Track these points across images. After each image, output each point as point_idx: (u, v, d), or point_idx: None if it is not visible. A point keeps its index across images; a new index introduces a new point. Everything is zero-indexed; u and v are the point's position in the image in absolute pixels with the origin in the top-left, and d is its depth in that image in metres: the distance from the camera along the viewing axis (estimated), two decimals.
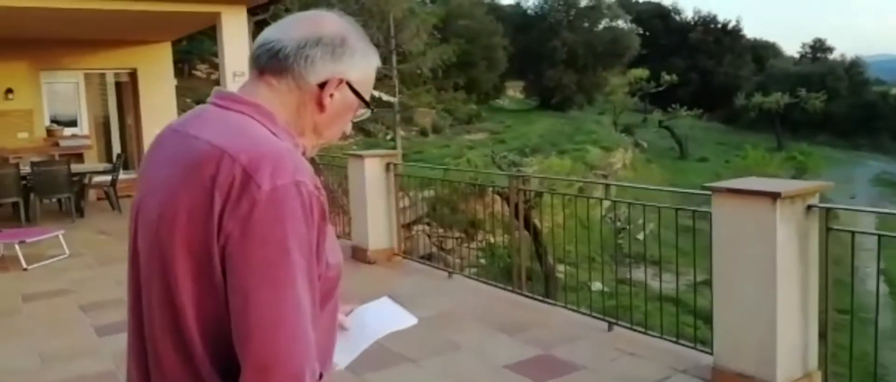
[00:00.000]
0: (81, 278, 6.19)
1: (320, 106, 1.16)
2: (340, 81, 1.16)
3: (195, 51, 21.41)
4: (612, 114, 37.66)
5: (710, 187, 3.57)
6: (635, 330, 4.36)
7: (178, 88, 13.62)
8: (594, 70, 38.16)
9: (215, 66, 18.66)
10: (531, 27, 38.38)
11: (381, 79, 17.26)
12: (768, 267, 3.34)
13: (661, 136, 37.56)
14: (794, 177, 21.85)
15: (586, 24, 38.89)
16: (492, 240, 13.61)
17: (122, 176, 10.21)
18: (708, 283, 3.89)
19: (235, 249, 0.98)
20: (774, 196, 3.28)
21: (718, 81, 46.59)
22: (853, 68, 48.99)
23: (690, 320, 8.07)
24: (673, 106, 35.81)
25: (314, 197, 1.03)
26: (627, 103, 38.29)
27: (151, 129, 10.55)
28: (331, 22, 1.18)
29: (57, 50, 11.33)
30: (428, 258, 13.81)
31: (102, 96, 12.71)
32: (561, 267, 13.90)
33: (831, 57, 54.07)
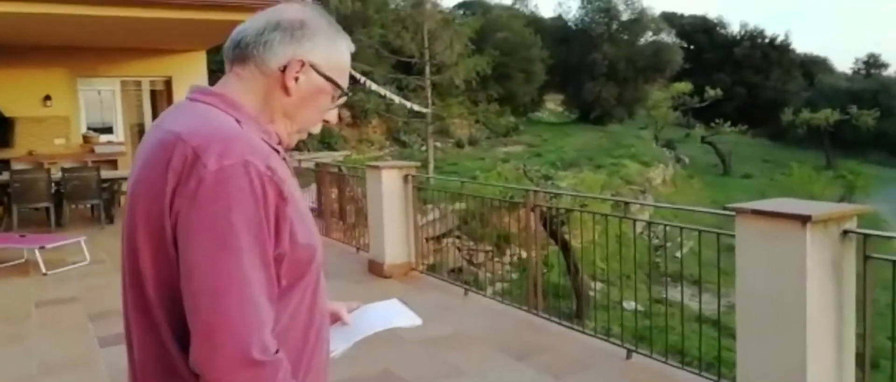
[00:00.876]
0: (97, 285, 6.15)
1: (285, 90, 1.18)
2: (303, 64, 1.18)
3: None
4: (654, 129, 36.89)
5: (734, 208, 3.28)
6: (655, 359, 4.07)
7: None
8: (635, 84, 37.47)
9: None
10: (572, 40, 37.92)
11: (415, 90, 17.18)
12: (797, 298, 3.04)
13: (705, 152, 36.61)
14: (842, 197, 20.99)
15: (627, 37, 38.25)
16: (523, 255, 13.31)
17: None
18: None
19: (183, 224, 1.04)
20: (805, 219, 2.98)
21: (765, 97, 45.29)
22: None
23: (730, 343, 7.67)
24: (716, 121, 34.87)
25: (266, 177, 1.06)
26: (669, 118, 37.44)
27: None
28: (291, 9, 1.21)
29: (94, 58, 11.53)
30: (458, 271, 13.63)
31: (138, 104, 12.91)
32: (595, 285, 13.55)
33: (886, 73, 52.18)
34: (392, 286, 6.06)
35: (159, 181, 1.06)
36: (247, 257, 1.03)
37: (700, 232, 3.93)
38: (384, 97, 16.30)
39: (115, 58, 11.79)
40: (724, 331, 4.69)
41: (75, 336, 4.76)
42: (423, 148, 20.62)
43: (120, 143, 12.14)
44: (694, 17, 53.33)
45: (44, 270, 6.56)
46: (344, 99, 1.28)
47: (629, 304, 10.59)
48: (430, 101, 16.74)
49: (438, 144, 25.21)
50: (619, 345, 4.29)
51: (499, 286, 12.61)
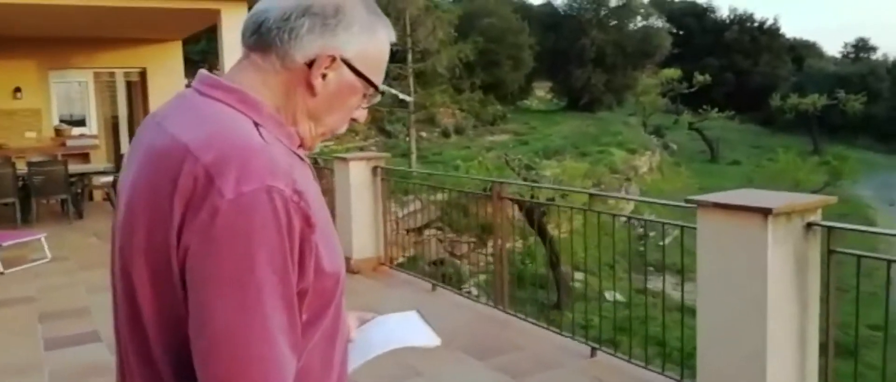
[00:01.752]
0: (54, 284, 5.96)
1: (310, 88, 1.00)
2: (333, 59, 0.99)
3: (212, 50, 21.37)
4: (642, 116, 36.75)
5: (695, 200, 3.14)
6: (619, 358, 3.93)
7: None
8: (624, 70, 37.28)
9: None
10: (560, 26, 37.62)
11: (397, 79, 16.96)
12: (758, 293, 2.90)
13: (693, 139, 36.52)
14: (826, 184, 20.91)
15: (615, 23, 38.01)
16: (507, 246, 13.19)
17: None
18: None
19: (195, 264, 0.87)
20: (766, 212, 2.84)
21: (754, 82, 45.21)
22: None
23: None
24: (704, 107, 34.75)
25: (292, 204, 0.88)
26: (658, 104, 37.29)
27: None
28: None
29: (65, 49, 11.25)
30: (440, 263, 13.46)
31: (112, 96, 12.63)
32: (577, 275, 13.45)
33: (874, 57, 52.19)
34: (360, 282, 5.90)
35: (164, 205, 0.89)
36: (270, 305, 0.87)
37: (682, 228, 3.70)
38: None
39: (87, 48, 11.51)
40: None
41: (22, 340, 4.58)
42: (408, 137, 20.43)
43: (93, 136, 11.88)
44: (683, 2, 53.13)
45: (1, 268, 6.36)
46: (378, 98, 1.10)
47: (611, 295, 10.49)
48: (412, 90, 16.53)
49: (424, 134, 24.99)
50: (583, 343, 4.16)
51: (481, 277, 12.50)
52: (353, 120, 1.11)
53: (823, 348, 2.99)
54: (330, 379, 1.02)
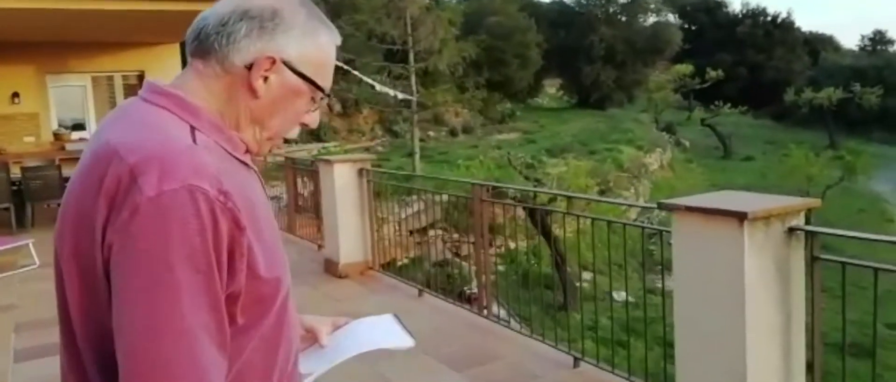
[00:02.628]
0: (37, 291, 5.87)
1: (252, 91, 1.01)
2: (273, 62, 1.00)
3: None
4: (653, 112, 36.34)
5: (668, 204, 2.95)
6: (602, 369, 3.76)
7: None
8: (634, 66, 36.90)
9: None
10: (569, 23, 37.32)
11: (399, 78, 16.83)
12: (736, 303, 2.71)
13: (707, 135, 36.03)
14: (841, 179, 20.51)
15: (625, 18, 37.62)
16: (512, 246, 13.03)
17: None
18: None
19: (115, 262, 0.87)
20: (741, 216, 2.65)
21: (768, 76, 44.56)
22: None
23: None
24: (716, 102, 34.27)
25: (217, 204, 0.88)
26: (670, 100, 36.86)
27: None
28: None
29: (63, 53, 11.24)
30: (445, 264, 13.30)
31: (111, 99, 12.63)
32: (587, 275, 13.23)
33: (892, 49, 51.31)
34: (345, 287, 5.77)
35: (90, 206, 0.90)
36: (190, 303, 0.86)
37: (660, 232, 3.55)
38: (373, 87, 15.95)
39: (85, 52, 11.49)
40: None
41: None
42: (412, 137, 20.32)
43: None
44: None
45: None
46: (326, 100, 1.10)
47: (620, 295, 10.28)
48: (414, 89, 16.39)
49: (432, 133, 24.85)
50: (566, 353, 3.98)
51: (484, 278, 12.30)
52: (304, 124, 1.11)
53: (809, 367, 2.81)
54: (265, 379, 1.00)
